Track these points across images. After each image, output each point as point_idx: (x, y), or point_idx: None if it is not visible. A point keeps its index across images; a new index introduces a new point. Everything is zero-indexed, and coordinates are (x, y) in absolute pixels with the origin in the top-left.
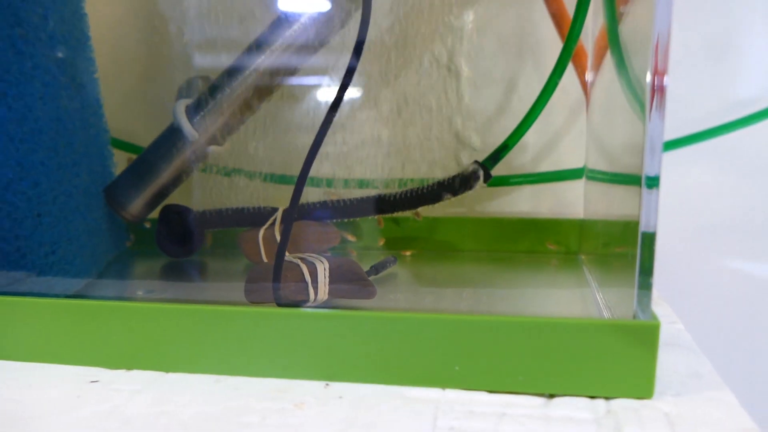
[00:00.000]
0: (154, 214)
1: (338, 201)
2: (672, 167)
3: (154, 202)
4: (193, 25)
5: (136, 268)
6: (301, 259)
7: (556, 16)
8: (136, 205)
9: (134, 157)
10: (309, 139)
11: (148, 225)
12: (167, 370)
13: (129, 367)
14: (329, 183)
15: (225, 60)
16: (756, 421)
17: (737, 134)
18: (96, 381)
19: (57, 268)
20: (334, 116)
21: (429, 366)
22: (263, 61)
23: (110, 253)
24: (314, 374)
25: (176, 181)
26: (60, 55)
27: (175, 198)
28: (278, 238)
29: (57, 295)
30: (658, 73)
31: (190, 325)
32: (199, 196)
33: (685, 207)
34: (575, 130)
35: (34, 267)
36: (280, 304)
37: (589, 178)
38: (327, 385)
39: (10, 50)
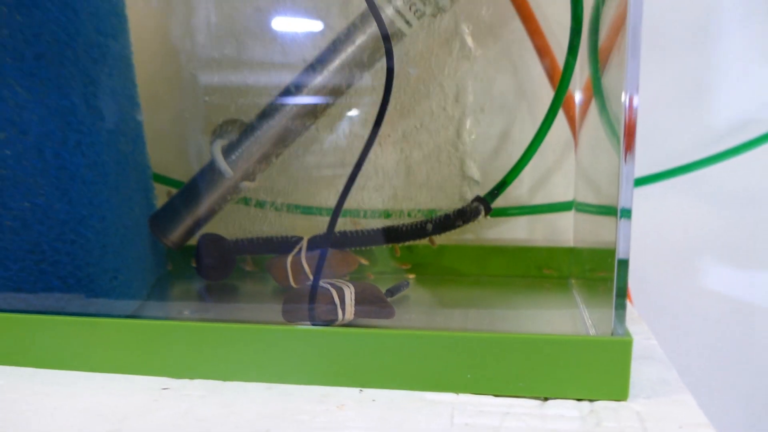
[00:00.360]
0: (190, 240)
1: (357, 231)
2: (653, 198)
3: (193, 230)
4: (223, 66)
5: (177, 290)
6: (330, 284)
7: (549, 69)
8: (176, 233)
9: (170, 189)
10: (329, 173)
11: (194, 264)
12: (225, 379)
13: (192, 377)
14: (348, 213)
15: (254, 100)
16: (710, 419)
17: (710, 169)
18: (167, 388)
19: (118, 291)
20: (367, 154)
21: (445, 374)
22: (293, 107)
23: (154, 276)
24: (349, 382)
25: (213, 212)
26: (121, 105)
27: (211, 227)
28: (304, 264)
29: (119, 315)
30: (629, 124)
31: (242, 341)
32: (232, 225)
33: (665, 234)
34: (565, 167)
35: (101, 291)
36: (314, 324)
37: (578, 209)
38: (361, 390)
39: (83, 105)
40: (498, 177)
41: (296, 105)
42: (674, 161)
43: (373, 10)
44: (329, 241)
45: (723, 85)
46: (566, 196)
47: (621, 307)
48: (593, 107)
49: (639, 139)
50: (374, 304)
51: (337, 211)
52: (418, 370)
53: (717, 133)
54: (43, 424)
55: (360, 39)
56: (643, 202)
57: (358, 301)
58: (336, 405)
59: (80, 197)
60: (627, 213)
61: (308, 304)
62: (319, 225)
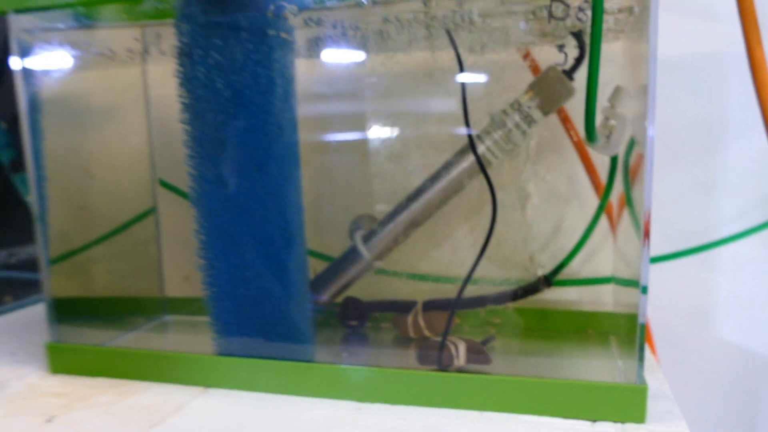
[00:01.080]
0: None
1: (456, 298)
2: (678, 269)
3: (339, 293)
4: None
5: (328, 336)
6: (448, 340)
7: (595, 183)
8: (328, 294)
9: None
10: (429, 247)
11: (354, 323)
12: (392, 403)
13: (372, 401)
14: (446, 280)
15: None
16: None
17: (718, 249)
18: (359, 409)
19: (304, 340)
20: (489, 241)
21: (532, 403)
22: (416, 209)
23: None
24: (473, 406)
25: (352, 281)
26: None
27: (351, 291)
28: (420, 321)
29: (307, 359)
30: (646, 225)
31: (402, 380)
32: (367, 289)
33: (686, 296)
34: (606, 249)
35: (297, 341)
36: (439, 368)
37: (615, 282)
38: (481, 413)
39: (294, 219)
40: (556, 253)
41: (418, 207)
42: (690, 242)
43: (474, 152)
44: (455, 306)
45: (728, 180)
46: (606, 272)
47: (641, 360)
48: (625, 211)
49: (662, 224)
50: (477, 354)
51: (463, 286)
52: (515, 400)
53: (724, 219)
54: (297, 425)
55: (464, 163)
56: (670, 273)
57: (467, 351)
58: (469, 420)
59: (289, 282)
60: (645, 289)
61: (438, 353)
62: (423, 288)
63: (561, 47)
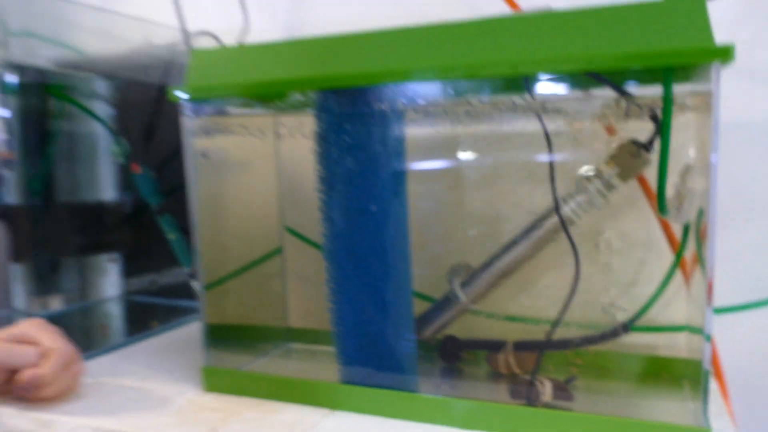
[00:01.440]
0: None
1: (545, 341)
2: (753, 320)
3: (438, 330)
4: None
5: (427, 368)
6: (536, 378)
7: (669, 238)
8: (429, 331)
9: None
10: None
11: (463, 354)
12: (489, 431)
13: (470, 428)
14: (529, 321)
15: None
16: None
17: None
18: None
19: (411, 371)
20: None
21: None
22: (507, 261)
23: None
24: None
25: (450, 321)
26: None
27: (449, 329)
28: (511, 360)
29: (413, 389)
30: (710, 283)
31: (495, 411)
32: (462, 329)
33: (761, 346)
34: (679, 299)
35: (406, 372)
36: (528, 403)
37: (689, 331)
38: None
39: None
40: (633, 302)
41: (509, 258)
42: (763, 294)
43: (560, 216)
44: (543, 347)
45: None
46: (680, 318)
47: (705, 402)
48: (697, 267)
49: (735, 277)
50: (561, 391)
51: (552, 330)
52: (591, 427)
53: None
54: None
55: (551, 221)
56: (746, 323)
57: (553, 389)
58: None
59: (400, 323)
60: (708, 337)
61: (527, 389)
62: (510, 327)
63: (635, 142)
